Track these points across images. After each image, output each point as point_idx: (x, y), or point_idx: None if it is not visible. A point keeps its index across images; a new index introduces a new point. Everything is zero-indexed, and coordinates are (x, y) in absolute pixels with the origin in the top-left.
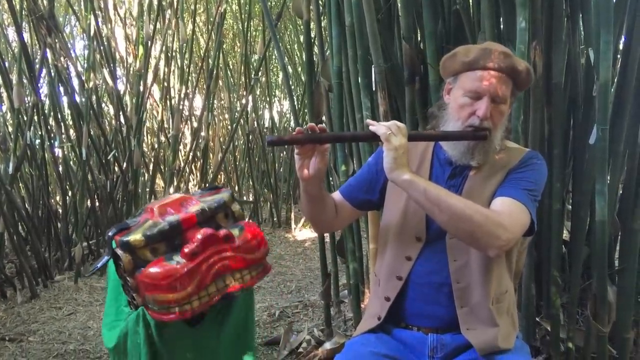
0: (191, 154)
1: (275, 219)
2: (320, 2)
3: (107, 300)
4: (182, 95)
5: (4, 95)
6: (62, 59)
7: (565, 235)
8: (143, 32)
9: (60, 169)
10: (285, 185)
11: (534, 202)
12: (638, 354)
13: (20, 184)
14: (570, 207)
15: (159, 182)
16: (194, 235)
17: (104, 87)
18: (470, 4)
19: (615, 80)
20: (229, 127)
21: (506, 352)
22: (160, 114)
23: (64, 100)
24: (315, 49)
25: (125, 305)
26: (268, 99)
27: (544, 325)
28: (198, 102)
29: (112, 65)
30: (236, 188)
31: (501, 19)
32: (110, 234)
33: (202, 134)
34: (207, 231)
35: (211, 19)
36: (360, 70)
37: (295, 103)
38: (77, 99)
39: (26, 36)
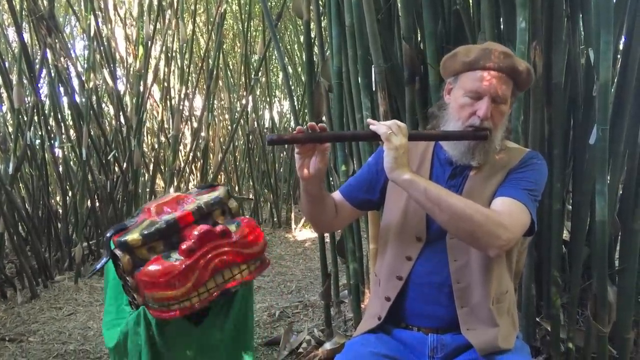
0: (191, 154)
1: (275, 219)
2: (320, 2)
3: (106, 299)
4: (182, 96)
5: (4, 95)
6: (62, 59)
7: (566, 235)
8: (143, 32)
9: (61, 169)
10: (286, 185)
11: (534, 202)
12: (638, 354)
13: (21, 184)
14: (570, 207)
15: (159, 182)
16: (191, 233)
17: (104, 87)
18: (470, 4)
19: (615, 80)
20: (229, 127)
21: (506, 352)
22: (161, 114)
23: (64, 100)
24: (315, 49)
25: (126, 304)
26: (268, 99)
27: (544, 325)
28: (198, 102)
29: (112, 65)
30: (236, 188)
31: (501, 19)
32: (108, 235)
33: (202, 134)
34: (203, 227)
35: (211, 19)
36: (360, 70)
37: (295, 103)
38: (77, 99)
39: (26, 36)
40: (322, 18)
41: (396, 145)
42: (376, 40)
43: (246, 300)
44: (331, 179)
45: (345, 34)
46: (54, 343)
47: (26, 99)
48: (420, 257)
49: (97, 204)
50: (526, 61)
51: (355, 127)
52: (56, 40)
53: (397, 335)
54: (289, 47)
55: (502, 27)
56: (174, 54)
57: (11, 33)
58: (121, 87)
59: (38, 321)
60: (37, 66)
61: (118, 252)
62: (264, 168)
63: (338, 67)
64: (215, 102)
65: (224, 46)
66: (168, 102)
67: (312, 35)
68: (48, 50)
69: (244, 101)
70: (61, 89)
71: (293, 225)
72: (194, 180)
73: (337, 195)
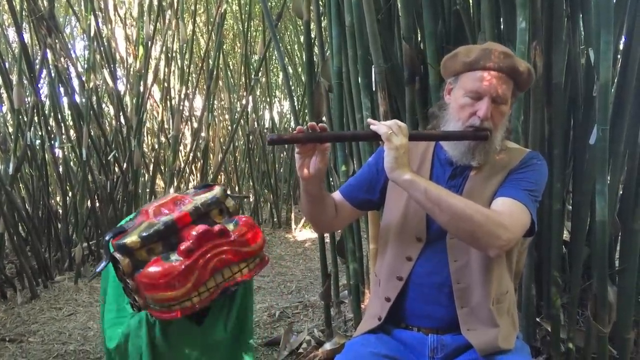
0: (191, 154)
1: (275, 220)
2: (320, 2)
3: (107, 298)
4: (182, 96)
5: (4, 95)
6: (62, 59)
7: (566, 235)
8: (143, 32)
9: (61, 169)
10: (286, 185)
11: (534, 202)
12: (638, 355)
13: (21, 185)
14: (570, 207)
15: (159, 182)
16: (189, 233)
17: (104, 87)
18: (470, 4)
19: (616, 80)
20: (229, 127)
21: (506, 353)
22: (161, 115)
23: (64, 100)
24: (315, 49)
25: (127, 304)
26: (268, 100)
27: (545, 325)
28: (198, 102)
29: (112, 65)
30: (236, 188)
31: (501, 19)
32: (106, 238)
33: (203, 134)
34: (201, 228)
35: (211, 20)
36: (360, 70)
37: (296, 103)
38: (77, 99)
39: (26, 37)
40: (322, 18)
41: (396, 145)
42: (376, 40)
43: (246, 298)
44: (331, 179)
45: (345, 34)
46: (54, 343)
47: (26, 99)
48: (421, 258)
49: (97, 204)
50: (526, 61)
51: (355, 127)
52: (56, 41)
53: (397, 336)
54: (289, 47)
55: (502, 27)
56: (174, 54)
57: (11, 33)
58: (121, 87)
59: (38, 321)
60: (37, 66)
61: (118, 255)
62: (264, 168)
63: (338, 67)
64: (216, 102)
65: (224, 46)
66: (168, 103)
67: (312, 36)
68: (48, 51)
69: (244, 101)
70: (61, 89)
71: (293, 226)
72: (194, 180)
73: (337, 195)
